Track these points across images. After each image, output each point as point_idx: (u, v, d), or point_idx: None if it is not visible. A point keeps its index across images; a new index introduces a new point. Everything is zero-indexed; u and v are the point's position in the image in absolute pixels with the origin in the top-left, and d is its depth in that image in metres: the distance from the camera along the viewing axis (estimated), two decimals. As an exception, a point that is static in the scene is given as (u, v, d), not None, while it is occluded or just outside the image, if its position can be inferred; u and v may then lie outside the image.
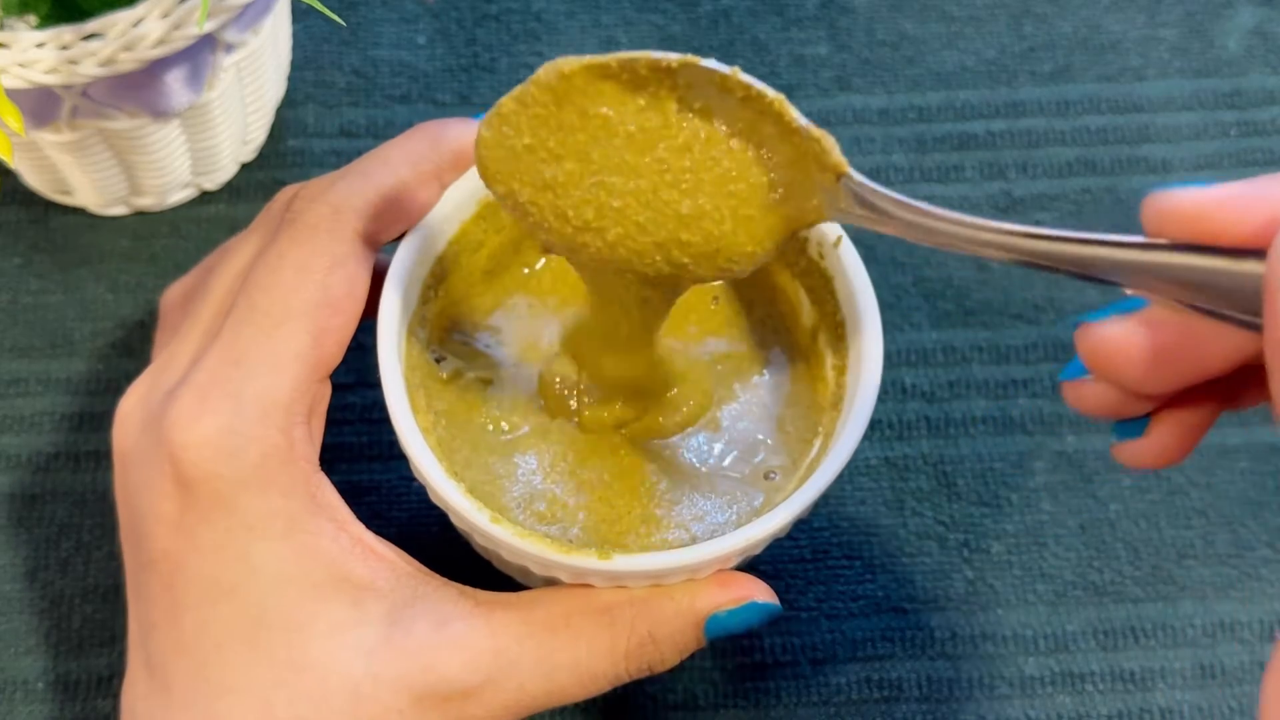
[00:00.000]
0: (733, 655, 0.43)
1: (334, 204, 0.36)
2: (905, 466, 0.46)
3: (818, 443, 0.39)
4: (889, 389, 0.47)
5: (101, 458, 0.45)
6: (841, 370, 0.38)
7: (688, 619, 0.35)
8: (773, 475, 0.39)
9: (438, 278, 0.39)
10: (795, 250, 0.40)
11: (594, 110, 0.32)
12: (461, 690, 0.33)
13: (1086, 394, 0.29)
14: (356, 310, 0.36)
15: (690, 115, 0.32)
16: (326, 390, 0.36)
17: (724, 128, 0.32)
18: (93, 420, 0.46)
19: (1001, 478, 0.46)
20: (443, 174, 0.37)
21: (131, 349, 0.47)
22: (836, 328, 0.39)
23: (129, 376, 0.46)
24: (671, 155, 0.32)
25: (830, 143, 0.31)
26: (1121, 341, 0.26)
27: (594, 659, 0.34)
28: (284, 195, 0.38)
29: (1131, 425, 0.29)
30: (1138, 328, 0.26)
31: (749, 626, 0.35)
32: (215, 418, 0.33)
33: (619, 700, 0.43)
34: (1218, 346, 0.26)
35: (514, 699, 0.34)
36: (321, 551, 0.34)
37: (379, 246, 0.37)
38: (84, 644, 0.43)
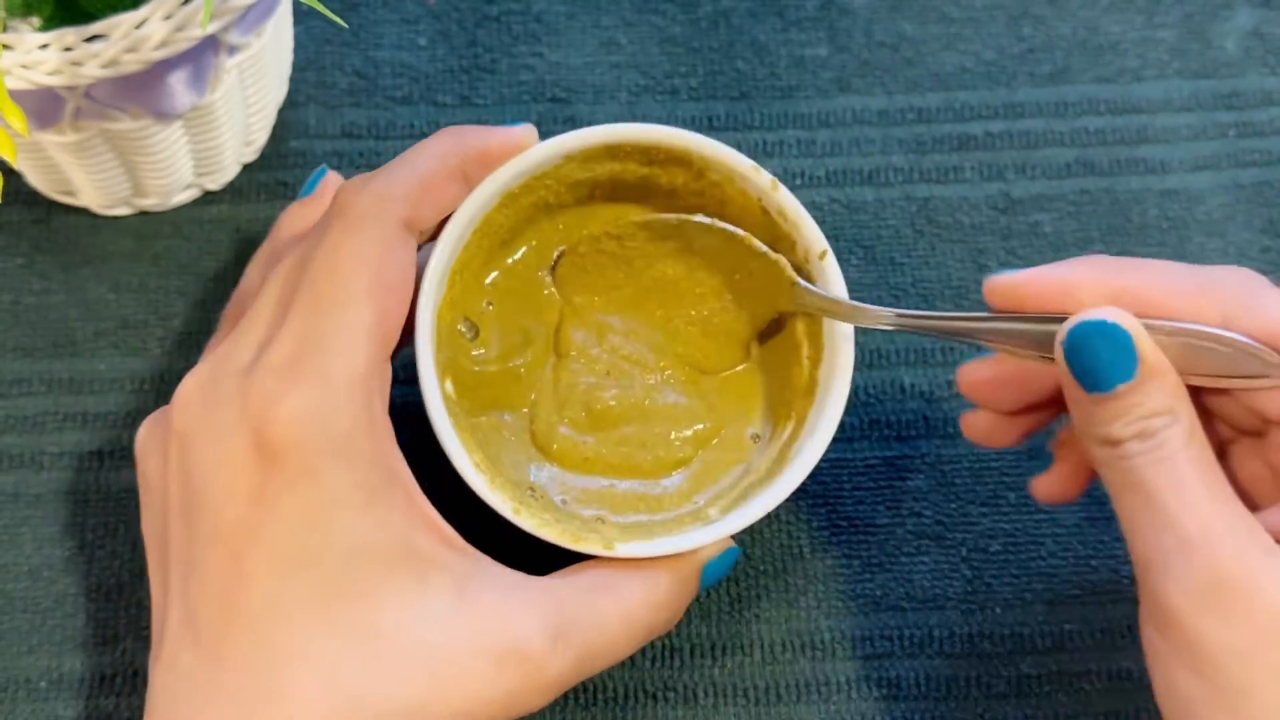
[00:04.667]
0: (732, 653, 0.43)
1: (377, 193, 0.37)
2: (904, 466, 0.46)
3: (789, 427, 0.41)
4: (888, 389, 0.47)
5: (104, 457, 0.45)
6: (816, 362, 0.41)
7: (693, 569, 0.39)
8: (759, 438, 0.42)
9: (463, 263, 0.41)
10: (785, 251, 0.41)
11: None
12: (539, 650, 0.35)
13: (971, 420, 0.40)
14: (409, 293, 0.37)
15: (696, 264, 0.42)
16: (389, 370, 0.37)
17: (712, 275, 0.42)
18: (95, 420, 0.46)
19: (1000, 477, 0.46)
20: (467, 166, 0.39)
21: (134, 349, 0.47)
22: (811, 321, 0.41)
23: (132, 376, 0.47)
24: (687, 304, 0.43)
25: (784, 263, 0.40)
26: (979, 372, 0.39)
27: (638, 609, 0.38)
28: None
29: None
30: (989, 365, 0.39)
31: (722, 574, 0.40)
32: (305, 391, 0.35)
33: (619, 699, 0.43)
34: (1040, 375, 0.38)
35: (577, 655, 0.36)
36: (394, 524, 0.35)
37: (419, 233, 0.38)
38: (87, 643, 0.43)
